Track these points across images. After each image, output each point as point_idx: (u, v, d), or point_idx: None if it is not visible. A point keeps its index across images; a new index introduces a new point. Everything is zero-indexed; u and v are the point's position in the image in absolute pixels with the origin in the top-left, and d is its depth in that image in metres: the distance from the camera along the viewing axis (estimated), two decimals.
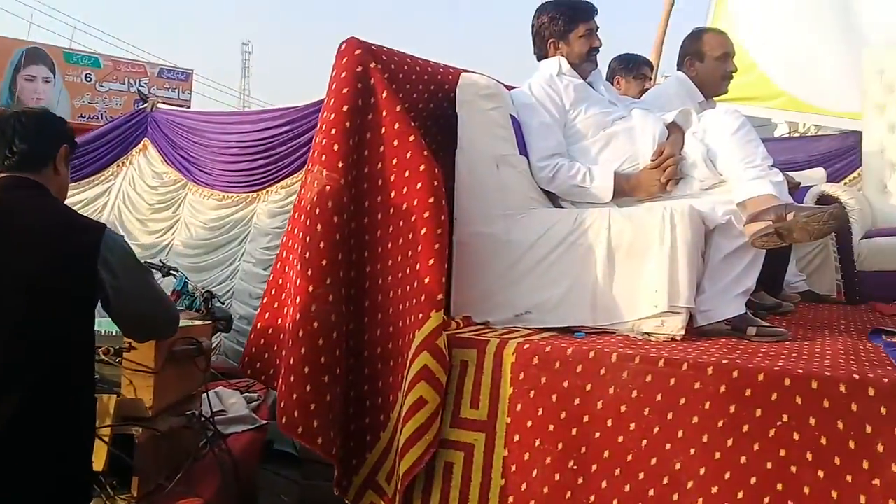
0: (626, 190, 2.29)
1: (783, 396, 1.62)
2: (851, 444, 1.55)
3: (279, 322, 2.19)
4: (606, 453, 1.77)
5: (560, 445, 1.81)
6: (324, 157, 2.11)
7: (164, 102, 6.11)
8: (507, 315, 2.24)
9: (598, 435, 1.78)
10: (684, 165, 2.26)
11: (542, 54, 2.54)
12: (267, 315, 2.26)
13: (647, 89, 3.38)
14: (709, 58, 2.96)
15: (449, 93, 2.41)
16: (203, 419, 2.35)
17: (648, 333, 2.10)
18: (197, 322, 2.57)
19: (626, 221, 2.14)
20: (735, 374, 1.68)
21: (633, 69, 3.38)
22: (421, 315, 1.93)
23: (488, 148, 2.29)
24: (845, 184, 4.78)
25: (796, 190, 3.84)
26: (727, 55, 2.95)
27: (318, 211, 2.07)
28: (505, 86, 2.48)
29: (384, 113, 2.12)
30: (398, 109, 2.12)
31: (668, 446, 1.71)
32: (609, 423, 1.78)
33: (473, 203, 2.30)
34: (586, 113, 2.39)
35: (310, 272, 2.02)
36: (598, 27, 2.49)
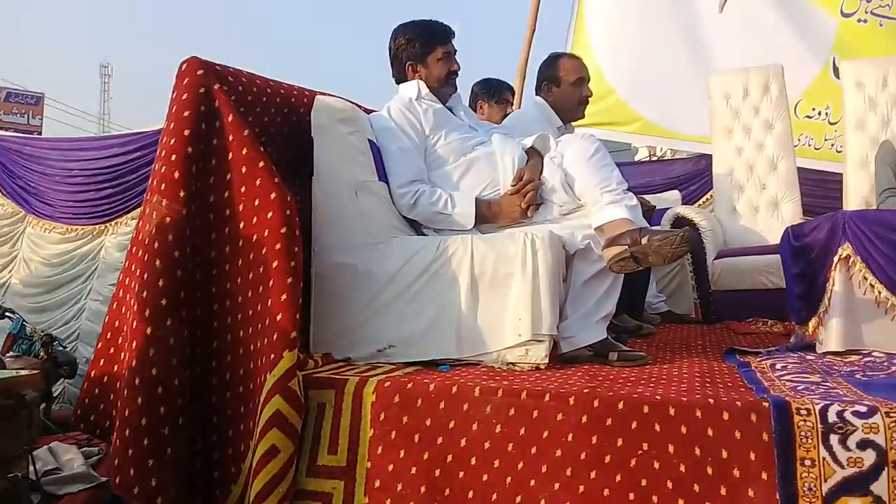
0: (487, 216, 2.26)
1: (643, 424, 1.60)
2: (709, 470, 1.54)
3: (115, 370, 1.99)
4: (471, 493, 1.69)
5: (423, 489, 1.71)
6: (163, 185, 1.94)
7: (5, 128, 5.60)
8: (369, 350, 2.14)
9: (462, 475, 1.70)
10: (544, 191, 2.25)
11: (400, 77, 2.47)
12: (102, 362, 2.04)
13: (510, 114, 3.39)
14: (565, 83, 3.00)
15: (304, 116, 2.30)
16: (30, 481, 2.09)
17: (513, 363, 2.06)
18: (23, 371, 2.30)
19: (488, 249, 2.09)
20: (596, 403, 1.65)
21: (496, 94, 3.39)
22: (273, 355, 1.79)
23: (346, 174, 2.20)
24: (699, 206, 5.03)
25: (652, 213, 3.99)
26: (582, 80, 3.01)
27: (156, 245, 1.89)
28: (363, 109, 2.39)
29: (230, 138, 1.98)
30: (246, 134, 1.98)
31: (532, 482, 1.65)
32: (473, 461, 1.70)
33: (332, 232, 2.19)
34: (446, 138, 2.34)
35: (147, 313, 1.84)
36: (456, 50, 2.46)
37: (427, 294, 2.10)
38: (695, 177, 5.26)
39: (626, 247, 2.04)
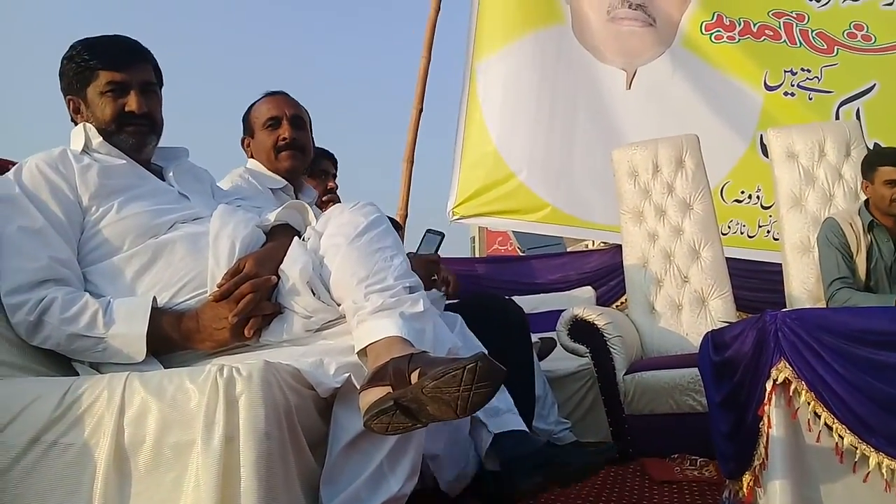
0: (174, 338, 1.35)
1: None
2: None
3: None
4: None
5: None
6: None
7: None
8: None
9: None
10: (281, 293, 1.37)
11: (72, 117, 1.60)
12: None
13: (332, 189, 2.55)
14: (257, 128, 2.18)
15: None
16: None
17: None
18: None
19: (152, 398, 1.17)
20: None
21: (310, 165, 2.54)
22: None
23: None
24: (618, 305, 4.20)
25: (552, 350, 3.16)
26: (276, 120, 2.14)
27: None
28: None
29: None
30: None
31: None
32: None
33: None
34: (121, 211, 1.44)
35: None
36: (148, 83, 1.57)
37: (39, 482, 1.15)
38: (614, 270, 4.44)
39: (389, 390, 1.15)
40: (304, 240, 1.44)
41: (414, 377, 1.13)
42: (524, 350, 2.53)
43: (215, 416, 1.12)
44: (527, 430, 1.94)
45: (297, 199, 1.94)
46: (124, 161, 1.53)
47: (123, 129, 1.53)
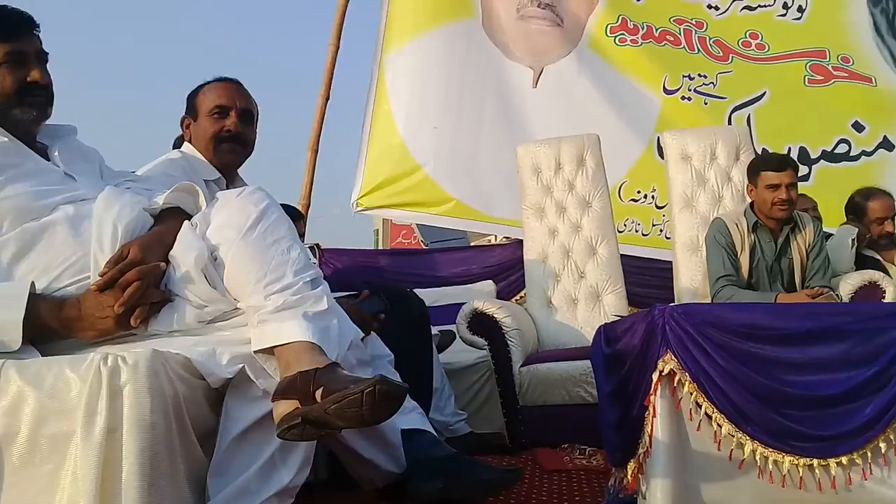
0: (55, 327, 1.28)
1: None
2: None
3: None
4: None
5: None
6: None
7: None
8: None
9: None
10: (172, 280, 1.32)
11: None
12: None
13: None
14: (202, 114, 2.07)
15: None
16: None
17: None
18: None
19: (28, 387, 1.11)
20: None
21: None
22: None
23: None
24: (517, 300, 4.27)
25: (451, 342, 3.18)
26: (225, 109, 2.05)
27: None
28: None
29: None
30: None
31: None
32: None
33: None
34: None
35: None
36: (44, 54, 1.49)
37: None
38: (515, 265, 4.50)
39: (297, 404, 1.16)
40: (193, 225, 1.39)
41: (318, 395, 1.14)
42: (423, 342, 2.55)
43: (97, 406, 1.08)
44: (437, 435, 1.94)
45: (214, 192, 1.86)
46: (5, 139, 1.43)
47: (25, 101, 1.44)
